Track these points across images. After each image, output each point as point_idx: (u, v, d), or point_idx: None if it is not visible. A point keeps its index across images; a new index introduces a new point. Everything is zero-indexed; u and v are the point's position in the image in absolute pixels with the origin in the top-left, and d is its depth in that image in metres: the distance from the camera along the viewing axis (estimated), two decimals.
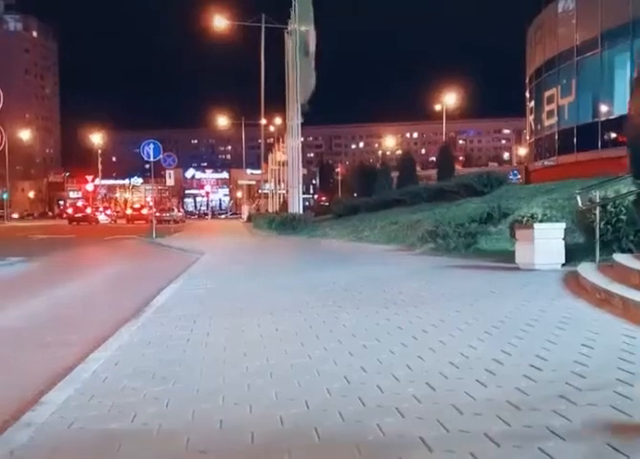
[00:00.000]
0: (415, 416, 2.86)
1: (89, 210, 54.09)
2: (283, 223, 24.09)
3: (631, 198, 4.18)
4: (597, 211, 8.28)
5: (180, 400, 3.19)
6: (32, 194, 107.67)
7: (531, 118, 26.82)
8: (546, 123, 24.43)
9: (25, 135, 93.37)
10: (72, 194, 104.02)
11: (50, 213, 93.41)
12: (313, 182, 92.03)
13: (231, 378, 3.59)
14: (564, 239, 8.81)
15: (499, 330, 4.77)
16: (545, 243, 8.69)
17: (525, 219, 9.23)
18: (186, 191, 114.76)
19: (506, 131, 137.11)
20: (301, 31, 26.16)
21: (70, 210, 53.87)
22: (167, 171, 27.68)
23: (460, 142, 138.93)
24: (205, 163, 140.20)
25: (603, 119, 20.22)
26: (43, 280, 10.29)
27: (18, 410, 3.15)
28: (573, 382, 3.31)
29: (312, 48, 25.36)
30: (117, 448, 2.55)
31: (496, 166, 72.27)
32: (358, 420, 2.83)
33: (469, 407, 2.96)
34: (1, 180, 67.29)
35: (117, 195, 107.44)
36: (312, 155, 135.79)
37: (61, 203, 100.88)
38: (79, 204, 63.08)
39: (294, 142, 27.52)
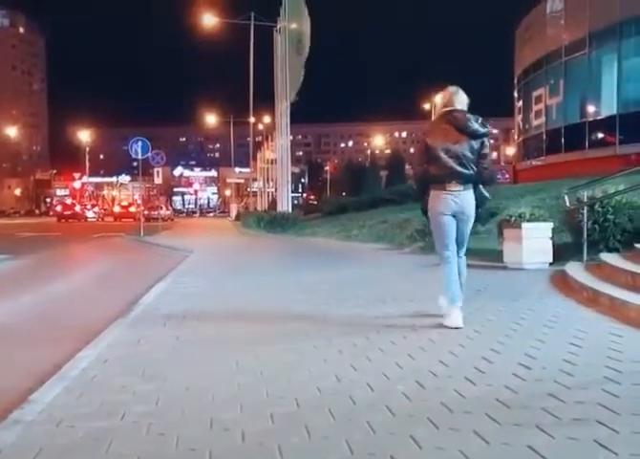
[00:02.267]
0: (405, 414, 2.87)
1: (77, 208, 54.05)
2: (271, 221, 24.06)
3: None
4: (585, 211, 8.34)
5: (169, 398, 3.18)
6: (18, 191, 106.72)
7: (519, 117, 26.99)
8: (534, 123, 24.59)
9: (12, 132, 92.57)
10: (59, 192, 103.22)
11: (37, 211, 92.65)
12: (302, 180, 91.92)
13: (221, 376, 3.58)
14: (551, 238, 8.87)
15: (487, 329, 4.80)
16: (533, 242, 8.75)
17: (513, 218, 9.27)
18: (174, 189, 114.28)
19: (494, 131, 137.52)
20: (291, 29, 26.11)
21: (59, 208, 53.94)
22: (155, 169, 27.53)
23: None
24: (194, 162, 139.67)
25: (590, 119, 20.41)
26: (30, 278, 10.21)
27: (6, 409, 3.12)
28: (562, 380, 3.34)
29: (307, 46, 25.20)
30: (107, 447, 2.54)
31: None
32: (349, 418, 2.83)
33: (459, 405, 2.97)
34: None
35: (105, 193, 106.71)
36: (301, 153, 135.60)
37: (48, 200, 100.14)
38: (68, 201, 62.90)
39: (283, 140, 27.50)
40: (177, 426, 2.75)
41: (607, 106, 19.92)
